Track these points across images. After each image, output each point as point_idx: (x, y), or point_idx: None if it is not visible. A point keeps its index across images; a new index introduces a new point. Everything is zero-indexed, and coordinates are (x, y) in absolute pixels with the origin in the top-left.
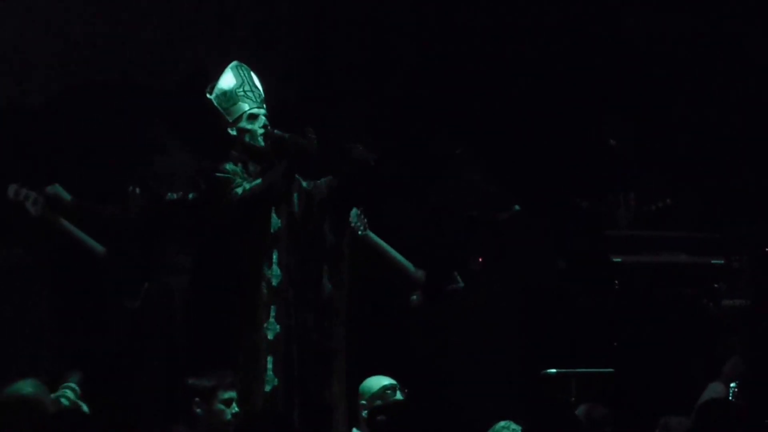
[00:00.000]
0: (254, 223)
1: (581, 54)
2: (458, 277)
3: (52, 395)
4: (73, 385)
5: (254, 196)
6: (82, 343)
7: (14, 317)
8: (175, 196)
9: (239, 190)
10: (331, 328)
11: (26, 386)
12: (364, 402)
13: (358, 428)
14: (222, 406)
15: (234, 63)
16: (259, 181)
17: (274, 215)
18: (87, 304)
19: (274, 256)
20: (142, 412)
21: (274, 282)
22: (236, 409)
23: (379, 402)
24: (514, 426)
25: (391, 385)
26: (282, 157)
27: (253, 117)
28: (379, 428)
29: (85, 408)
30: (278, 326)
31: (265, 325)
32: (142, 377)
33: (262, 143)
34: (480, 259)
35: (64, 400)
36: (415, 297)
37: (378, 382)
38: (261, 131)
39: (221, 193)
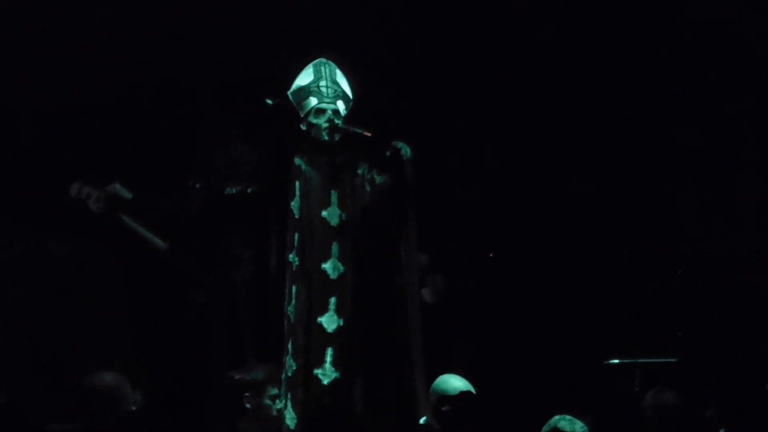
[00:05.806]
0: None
1: (650, 51)
2: None
3: None
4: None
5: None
6: (149, 337)
7: (82, 312)
8: (234, 190)
9: None
10: (404, 316)
11: (106, 377)
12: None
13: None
14: (269, 402)
15: (318, 60)
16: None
17: (337, 208)
18: (152, 298)
19: (334, 249)
20: (207, 406)
21: (334, 275)
22: (280, 405)
23: None
24: (568, 418)
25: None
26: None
27: (320, 112)
28: (444, 419)
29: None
30: (340, 319)
31: (323, 317)
32: (207, 371)
33: (326, 137)
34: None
35: None
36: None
37: (459, 383)
38: (325, 125)
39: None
